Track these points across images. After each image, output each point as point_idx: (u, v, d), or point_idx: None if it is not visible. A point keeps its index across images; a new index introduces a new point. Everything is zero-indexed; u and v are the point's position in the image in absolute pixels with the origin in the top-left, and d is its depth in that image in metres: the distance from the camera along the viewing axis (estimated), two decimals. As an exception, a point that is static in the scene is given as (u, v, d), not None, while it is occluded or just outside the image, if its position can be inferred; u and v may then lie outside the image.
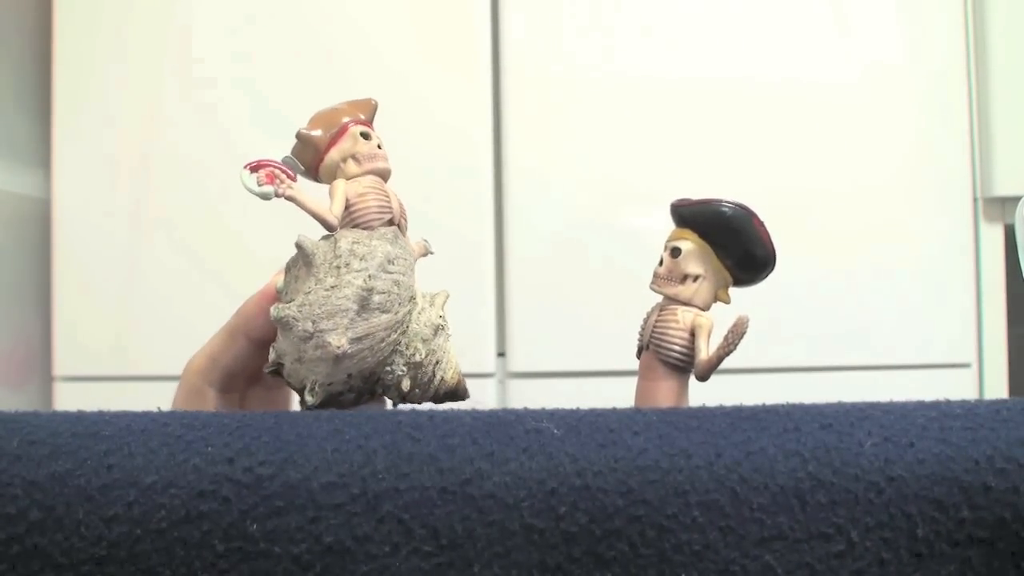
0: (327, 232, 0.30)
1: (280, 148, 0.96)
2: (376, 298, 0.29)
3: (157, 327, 0.82)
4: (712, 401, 0.27)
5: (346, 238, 0.29)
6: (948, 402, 0.26)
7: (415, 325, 0.30)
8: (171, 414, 0.26)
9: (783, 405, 0.26)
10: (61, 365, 0.83)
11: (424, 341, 0.30)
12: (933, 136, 0.83)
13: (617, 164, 0.82)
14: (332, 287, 0.28)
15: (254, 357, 0.32)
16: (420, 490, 0.23)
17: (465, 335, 0.33)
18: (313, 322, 0.28)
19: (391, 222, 0.31)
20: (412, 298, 0.31)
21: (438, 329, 0.31)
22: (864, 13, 0.83)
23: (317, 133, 0.31)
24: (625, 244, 0.79)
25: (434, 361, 0.31)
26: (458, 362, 0.32)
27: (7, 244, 0.85)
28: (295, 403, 0.31)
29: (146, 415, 0.26)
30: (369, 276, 0.28)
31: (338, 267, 0.29)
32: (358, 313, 0.28)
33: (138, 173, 0.84)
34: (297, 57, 0.84)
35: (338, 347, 0.28)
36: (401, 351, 0.30)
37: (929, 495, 0.23)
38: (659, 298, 0.32)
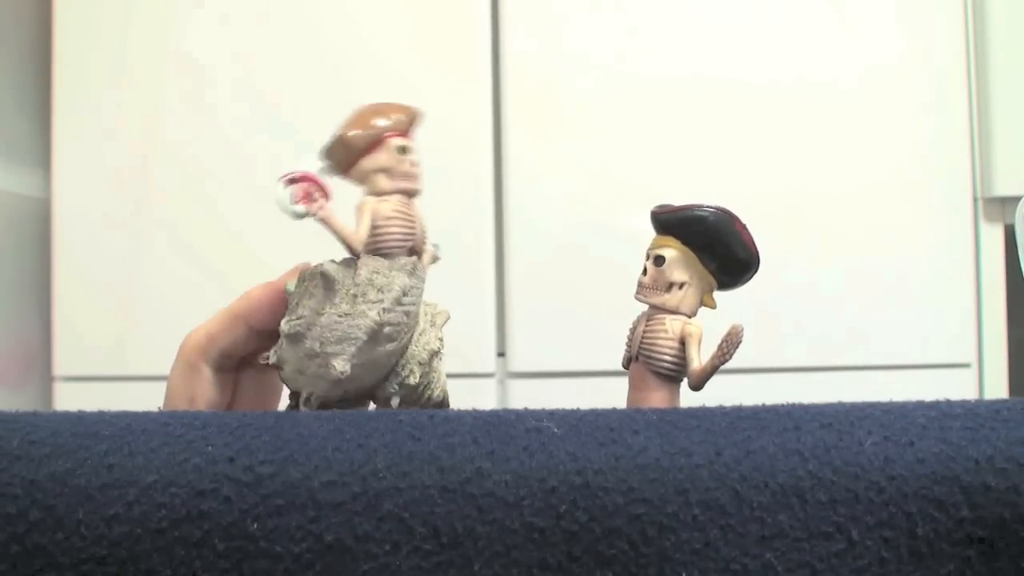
0: (348, 255, 0.30)
1: (279, 149, 0.96)
2: (387, 330, 0.29)
3: (157, 327, 0.82)
4: (712, 401, 0.27)
5: (367, 266, 0.29)
6: (948, 402, 0.26)
7: (414, 347, 0.31)
8: (171, 414, 0.26)
9: (783, 405, 0.26)
10: (61, 365, 0.83)
11: (420, 364, 0.31)
12: (933, 136, 0.83)
13: (617, 164, 0.82)
14: (345, 314, 0.28)
15: (252, 342, 0.32)
16: (420, 489, 0.23)
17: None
18: (321, 343, 0.28)
19: (412, 249, 0.31)
20: (417, 322, 0.31)
21: (434, 354, 0.31)
22: (864, 13, 0.83)
23: (354, 134, 0.30)
24: (625, 244, 0.79)
25: (425, 383, 0.31)
26: (446, 380, 0.32)
27: (7, 244, 0.85)
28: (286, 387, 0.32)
29: (146, 415, 0.26)
30: (384, 310, 0.29)
31: (354, 295, 0.29)
32: (366, 343, 0.28)
33: (138, 173, 0.84)
34: (297, 56, 0.84)
35: (341, 372, 0.28)
36: (397, 371, 0.30)
37: (929, 494, 0.23)
38: (644, 307, 0.31)
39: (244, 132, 0.83)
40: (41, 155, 0.86)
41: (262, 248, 0.82)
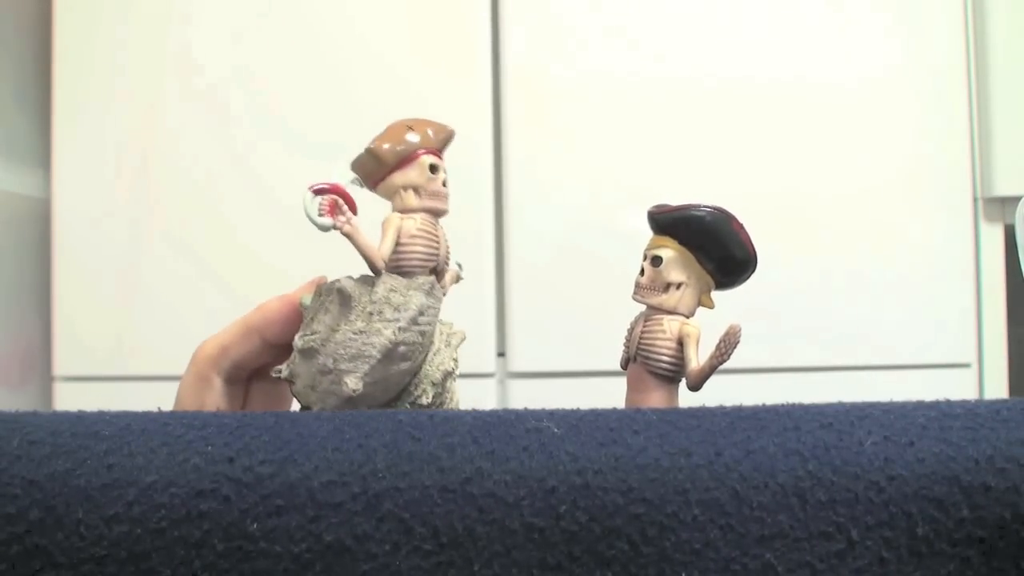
0: (365, 272, 0.30)
1: (279, 149, 0.96)
2: (401, 349, 0.29)
3: (157, 327, 0.82)
4: (712, 401, 0.27)
5: (384, 284, 0.29)
6: (948, 402, 0.26)
7: (428, 367, 0.31)
8: (171, 414, 0.26)
9: (783, 405, 0.26)
10: (61, 365, 0.83)
11: (433, 384, 0.31)
12: (933, 136, 0.83)
13: (617, 164, 0.82)
14: (360, 331, 0.28)
15: (265, 355, 0.32)
16: (420, 489, 0.23)
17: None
18: (335, 360, 0.28)
19: (434, 270, 0.30)
20: (432, 341, 0.31)
21: (448, 374, 0.31)
22: (864, 14, 0.83)
23: (386, 148, 0.30)
24: (625, 245, 0.79)
25: (438, 403, 0.31)
26: (459, 400, 0.32)
27: (7, 244, 0.85)
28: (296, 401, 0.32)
29: (146, 415, 0.26)
30: (399, 329, 0.28)
31: (370, 313, 0.29)
32: (380, 361, 0.28)
33: (138, 173, 0.84)
34: (297, 57, 0.84)
35: (354, 390, 0.28)
36: (410, 391, 0.30)
37: (929, 494, 0.23)
38: (642, 308, 0.31)
39: (244, 133, 0.83)
40: (41, 155, 0.86)
41: (262, 248, 0.82)
